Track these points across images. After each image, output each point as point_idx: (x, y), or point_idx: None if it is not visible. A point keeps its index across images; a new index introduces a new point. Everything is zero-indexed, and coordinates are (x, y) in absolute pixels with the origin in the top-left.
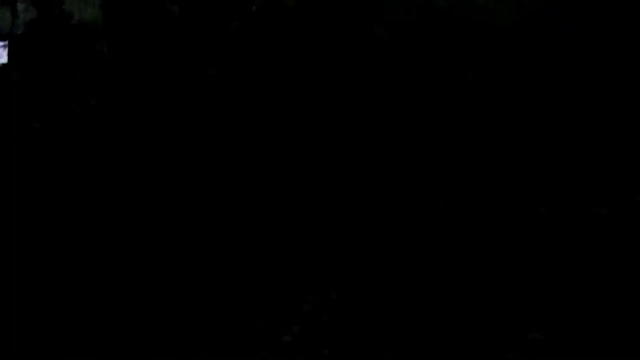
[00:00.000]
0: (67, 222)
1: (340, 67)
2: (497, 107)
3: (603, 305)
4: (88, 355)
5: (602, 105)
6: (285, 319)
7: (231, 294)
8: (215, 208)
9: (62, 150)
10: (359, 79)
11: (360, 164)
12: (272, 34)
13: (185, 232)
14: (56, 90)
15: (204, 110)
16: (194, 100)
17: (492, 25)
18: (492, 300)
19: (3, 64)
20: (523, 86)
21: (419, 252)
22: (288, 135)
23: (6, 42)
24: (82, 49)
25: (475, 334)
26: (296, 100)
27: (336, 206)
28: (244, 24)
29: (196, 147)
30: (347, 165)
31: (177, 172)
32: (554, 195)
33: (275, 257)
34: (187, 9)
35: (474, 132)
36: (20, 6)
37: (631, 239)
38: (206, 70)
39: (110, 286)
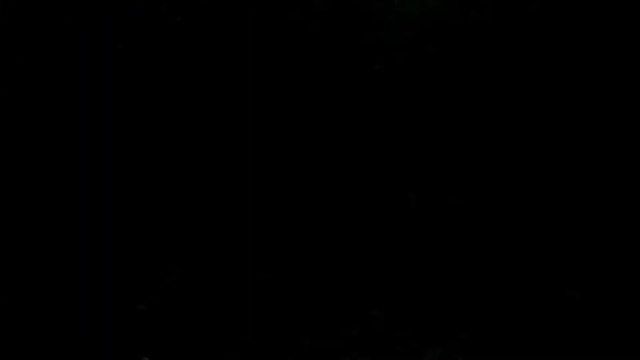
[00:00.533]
0: None
1: (256, 55)
2: (397, 99)
3: (440, 285)
4: None
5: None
6: (144, 289)
7: (100, 268)
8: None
9: None
10: (272, 66)
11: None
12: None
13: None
14: None
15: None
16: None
17: (404, 22)
18: (340, 281)
19: None
20: (428, 80)
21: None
22: (212, 132)
23: None
24: None
25: (323, 312)
26: (219, 93)
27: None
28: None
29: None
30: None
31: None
32: (419, 187)
33: (149, 233)
34: None
35: (369, 122)
36: None
37: (482, 228)
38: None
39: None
